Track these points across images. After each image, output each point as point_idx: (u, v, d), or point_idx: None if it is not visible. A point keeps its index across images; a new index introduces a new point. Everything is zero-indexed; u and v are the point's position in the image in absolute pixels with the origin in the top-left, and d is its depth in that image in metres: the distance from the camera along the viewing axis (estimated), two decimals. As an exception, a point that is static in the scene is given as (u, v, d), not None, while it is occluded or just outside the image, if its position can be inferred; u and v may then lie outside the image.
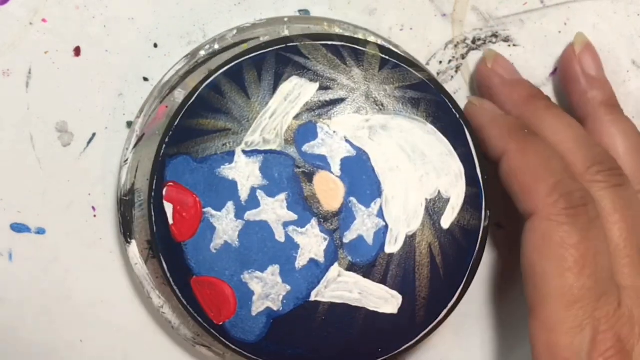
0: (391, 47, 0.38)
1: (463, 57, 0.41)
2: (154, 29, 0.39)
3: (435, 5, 0.40)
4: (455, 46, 0.41)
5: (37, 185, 0.40)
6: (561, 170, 0.35)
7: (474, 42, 0.41)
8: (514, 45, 0.41)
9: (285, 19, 0.39)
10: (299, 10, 0.40)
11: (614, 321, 0.34)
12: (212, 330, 0.36)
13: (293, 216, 0.36)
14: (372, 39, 0.39)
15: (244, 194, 0.36)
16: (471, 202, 0.37)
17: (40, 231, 0.40)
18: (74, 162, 0.40)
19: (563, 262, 0.34)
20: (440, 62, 0.41)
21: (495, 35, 0.41)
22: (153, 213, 0.36)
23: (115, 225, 0.40)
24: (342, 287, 0.36)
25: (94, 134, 0.40)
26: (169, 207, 0.36)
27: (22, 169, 0.39)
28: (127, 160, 0.39)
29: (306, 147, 0.36)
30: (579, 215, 0.34)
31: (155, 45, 0.39)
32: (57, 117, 0.39)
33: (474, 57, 0.41)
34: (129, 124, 0.40)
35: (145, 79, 0.40)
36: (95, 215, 0.40)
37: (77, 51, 0.39)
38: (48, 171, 0.40)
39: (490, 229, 0.38)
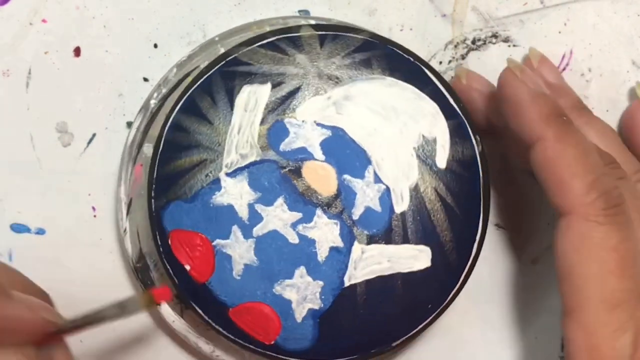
0: (324, 22, 0.39)
1: (463, 57, 0.41)
2: (154, 29, 0.39)
3: (435, 6, 0.40)
4: (455, 46, 0.41)
5: (37, 185, 0.40)
6: (598, 166, 0.34)
7: (474, 42, 0.41)
8: (514, 45, 0.41)
9: (216, 39, 0.39)
10: (299, 11, 0.40)
11: None
12: (268, 352, 0.36)
13: (297, 215, 0.36)
14: (303, 22, 0.39)
15: (243, 213, 0.36)
16: (457, 133, 0.37)
17: (40, 231, 0.40)
18: (74, 162, 0.40)
19: (604, 264, 0.33)
20: (440, 63, 0.41)
21: (495, 36, 0.41)
22: (169, 267, 0.36)
23: (115, 225, 0.40)
24: (370, 262, 0.36)
25: (94, 134, 0.40)
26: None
27: (22, 169, 0.40)
28: (125, 229, 0.39)
29: (283, 146, 0.36)
30: (617, 214, 0.33)
31: (155, 45, 0.40)
32: (57, 117, 0.39)
33: (474, 57, 0.41)
34: (129, 124, 0.40)
35: (145, 79, 0.40)
36: (95, 215, 0.40)
37: (77, 51, 0.39)
38: (48, 171, 0.40)
39: (490, 229, 0.37)
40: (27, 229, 0.40)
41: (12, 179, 0.39)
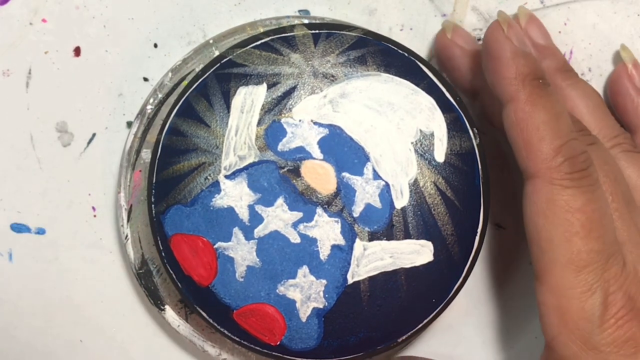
0: (316, 21, 0.39)
1: None
2: (154, 29, 0.40)
3: (435, 5, 0.40)
4: (455, 46, 0.41)
5: (37, 185, 0.40)
6: (568, 131, 0.34)
7: None
8: None
9: (210, 41, 0.39)
10: (299, 10, 0.40)
11: (622, 280, 0.34)
12: (274, 353, 0.36)
13: (298, 214, 0.36)
14: (296, 21, 0.39)
15: (244, 215, 0.36)
16: (454, 127, 0.37)
17: (40, 231, 0.40)
18: (74, 162, 0.40)
19: (570, 226, 0.33)
20: None
21: None
22: (172, 272, 0.36)
23: (115, 225, 0.40)
24: (373, 259, 0.36)
25: (94, 134, 0.40)
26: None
27: (22, 169, 0.40)
28: (126, 236, 0.39)
29: (281, 146, 0.36)
30: (582, 178, 0.33)
31: (155, 45, 0.40)
32: (57, 117, 0.39)
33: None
34: (129, 124, 0.40)
35: (145, 79, 0.40)
36: (95, 215, 0.40)
37: (77, 51, 0.39)
38: (48, 171, 0.40)
39: (490, 229, 0.37)
40: (27, 229, 0.40)
41: (12, 179, 0.40)
